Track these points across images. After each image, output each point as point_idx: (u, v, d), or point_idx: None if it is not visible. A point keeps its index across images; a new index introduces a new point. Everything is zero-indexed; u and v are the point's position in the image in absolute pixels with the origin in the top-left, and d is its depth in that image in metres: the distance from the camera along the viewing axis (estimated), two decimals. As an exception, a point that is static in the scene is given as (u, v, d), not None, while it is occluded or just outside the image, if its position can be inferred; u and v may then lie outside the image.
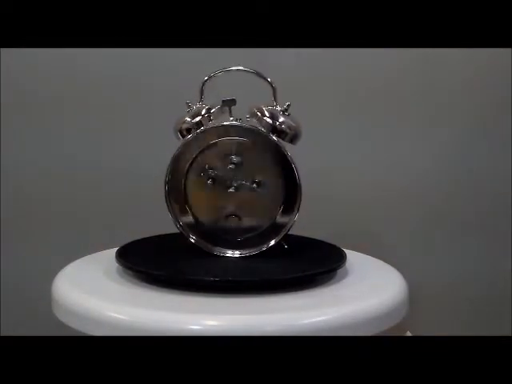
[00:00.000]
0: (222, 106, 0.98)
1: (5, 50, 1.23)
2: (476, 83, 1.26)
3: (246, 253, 0.98)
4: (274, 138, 0.95)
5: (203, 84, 0.98)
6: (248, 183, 0.97)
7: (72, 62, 1.26)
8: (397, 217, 1.29)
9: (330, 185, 1.26)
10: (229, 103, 0.98)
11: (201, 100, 0.99)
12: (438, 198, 1.28)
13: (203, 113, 0.97)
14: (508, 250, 1.27)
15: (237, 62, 0.97)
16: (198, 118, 0.97)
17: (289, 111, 0.96)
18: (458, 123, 1.27)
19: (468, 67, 1.25)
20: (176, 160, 0.98)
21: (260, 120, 0.95)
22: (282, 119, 0.95)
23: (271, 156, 0.96)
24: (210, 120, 0.98)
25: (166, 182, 0.98)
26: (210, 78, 0.98)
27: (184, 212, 1.00)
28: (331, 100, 1.27)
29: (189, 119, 0.98)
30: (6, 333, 1.28)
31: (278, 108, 0.96)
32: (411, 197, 1.29)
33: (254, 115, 0.96)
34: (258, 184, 0.97)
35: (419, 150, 1.27)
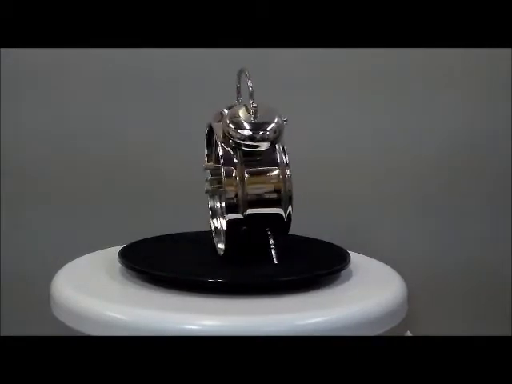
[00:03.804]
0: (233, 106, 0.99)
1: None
2: (476, 80, 1.26)
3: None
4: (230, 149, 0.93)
5: (238, 81, 0.99)
6: None
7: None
8: (397, 217, 1.29)
9: (331, 185, 1.26)
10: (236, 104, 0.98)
11: (238, 96, 1.00)
12: (440, 198, 1.28)
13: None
14: (509, 251, 1.27)
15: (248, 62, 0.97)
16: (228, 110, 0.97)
17: (256, 114, 0.93)
18: (458, 122, 1.27)
19: (468, 64, 1.25)
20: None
21: (234, 132, 0.92)
22: (261, 132, 0.92)
23: None
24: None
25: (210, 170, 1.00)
26: (240, 74, 0.98)
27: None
28: (331, 98, 1.26)
29: (225, 110, 0.98)
30: (5, 333, 1.27)
31: (251, 113, 0.93)
32: (412, 197, 1.28)
33: (226, 128, 0.93)
34: None
35: (419, 150, 1.27)
